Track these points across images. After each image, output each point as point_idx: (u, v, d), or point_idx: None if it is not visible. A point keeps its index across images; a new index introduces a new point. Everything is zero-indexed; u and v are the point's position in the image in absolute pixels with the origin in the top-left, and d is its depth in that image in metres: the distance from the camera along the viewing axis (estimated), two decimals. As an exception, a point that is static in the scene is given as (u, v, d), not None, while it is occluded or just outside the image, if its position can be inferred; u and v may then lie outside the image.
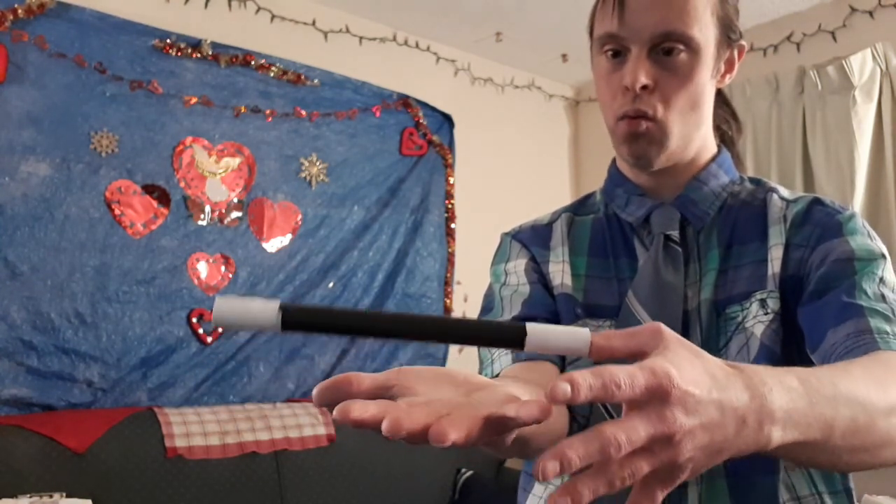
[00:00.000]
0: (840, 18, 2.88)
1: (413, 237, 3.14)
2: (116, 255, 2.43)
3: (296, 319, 0.42)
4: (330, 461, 2.51)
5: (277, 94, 2.82)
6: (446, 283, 3.22)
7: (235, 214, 2.70)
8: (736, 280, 0.80)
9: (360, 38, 3.10)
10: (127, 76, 2.49)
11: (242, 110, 2.73)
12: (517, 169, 3.58)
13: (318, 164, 2.90)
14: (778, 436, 0.46)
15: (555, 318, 0.85)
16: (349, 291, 2.94)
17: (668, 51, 0.78)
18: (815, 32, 2.94)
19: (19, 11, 2.28)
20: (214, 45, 2.67)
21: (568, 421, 0.76)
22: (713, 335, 0.78)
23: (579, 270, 0.87)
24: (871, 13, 2.80)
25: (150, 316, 2.48)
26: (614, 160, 0.92)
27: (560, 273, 0.87)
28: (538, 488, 0.84)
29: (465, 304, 3.25)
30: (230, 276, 2.66)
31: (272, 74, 2.79)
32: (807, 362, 0.72)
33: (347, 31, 3.06)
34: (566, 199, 2.87)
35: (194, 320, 2.56)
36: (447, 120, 3.29)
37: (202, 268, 2.61)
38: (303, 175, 2.87)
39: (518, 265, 0.90)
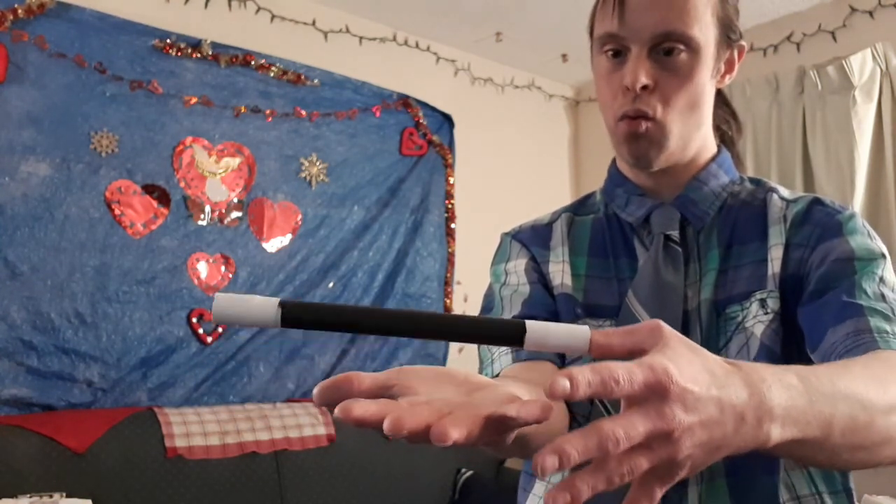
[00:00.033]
0: (840, 18, 2.88)
1: (413, 237, 3.14)
2: (116, 255, 2.43)
3: (295, 315, 0.42)
4: (330, 461, 2.51)
5: (277, 94, 2.82)
6: (446, 283, 3.22)
7: (235, 214, 2.70)
8: (736, 280, 0.80)
9: (360, 38, 3.10)
10: (127, 76, 2.49)
11: (242, 110, 2.73)
12: (517, 169, 3.58)
13: (318, 164, 2.90)
14: (777, 433, 0.46)
15: (555, 318, 0.85)
16: (349, 291, 2.94)
17: (669, 51, 0.78)
18: (815, 32, 2.94)
19: (19, 11, 2.28)
20: (214, 45, 2.67)
21: (568, 421, 0.76)
22: (713, 335, 0.78)
23: (579, 270, 0.87)
24: (871, 13, 2.80)
25: (150, 316, 2.48)
26: (614, 160, 0.92)
27: (560, 273, 0.88)
28: (538, 488, 0.84)
29: (465, 304, 3.25)
30: (230, 276, 2.66)
31: (272, 74, 2.79)
32: (807, 362, 0.72)
33: (347, 31, 3.06)
34: (566, 199, 2.88)
35: (194, 320, 2.56)
36: (447, 120, 3.29)
37: (202, 268, 2.61)
38: (303, 175, 2.87)
39: (518, 265, 0.90)
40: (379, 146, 3.07)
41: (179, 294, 2.54)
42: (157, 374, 2.48)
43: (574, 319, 0.83)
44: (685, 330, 0.79)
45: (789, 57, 3.00)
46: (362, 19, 3.11)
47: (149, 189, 2.52)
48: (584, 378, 0.38)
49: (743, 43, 0.86)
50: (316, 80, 2.90)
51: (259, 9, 2.84)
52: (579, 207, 0.95)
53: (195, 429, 2.32)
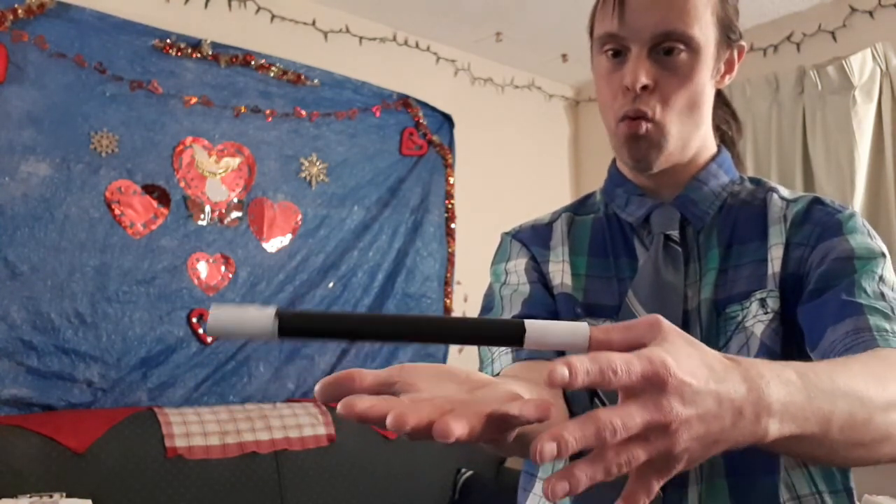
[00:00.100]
0: (840, 18, 2.88)
1: (413, 237, 3.14)
2: (116, 255, 2.43)
3: (292, 325, 0.42)
4: (330, 461, 2.51)
5: (277, 94, 2.82)
6: (446, 283, 3.22)
7: (235, 214, 2.70)
8: (736, 279, 0.80)
9: (360, 38, 3.10)
10: (127, 76, 2.49)
11: (242, 110, 2.73)
12: (517, 169, 3.58)
13: (318, 164, 2.90)
14: (775, 429, 0.46)
15: (555, 318, 0.85)
16: (349, 291, 2.94)
17: (669, 50, 0.78)
18: (815, 32, 2.94)
19: (19, 11, 2.28)
20: (214, 45, 2.67)
21: (568, 419, 0.76)
22: (713, 335, 0.78)
23: (579, 270, 0.87)
24: (871, 13, 2.80)
25: (150, 316, 2.48)
26: (614, 160, 0.92)
27: (560, 273, 0.88)
28: (538, 487, 0.84)
29: (465, 304, 3.25)
30: (230, 276, 2.66)
31: (272, 74, 2.79)
32: (807, 361, 0.72)
33: (347, 31, 3.06)
34: (566, 199, 2.87)
35: (194, 320, 2.56)
36: (447, 120, 3.29)
37: (202, 268, 2.61)
38: (303, 175, 2.87)
39: (518, 265, 0.90)
40: (379, 146, 3.07)
41: (179, 294, 2.54)
42: (157, 374, 2.48)
43: (574, 319, 0.83)
44: (685, 329, 0.78)
45: (789, 57, 3.00)
46: (362, 19, 3.11)
47: (149, 189, 2.52)
48: (583, 367, 0.38)
49: (743, 43, 0.86)
50: (316, 80, 2.90)
51: (259, 9, 2.84)
52: (579, 207, 0.95)
53: (195, 429, 2.32)
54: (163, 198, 2.55)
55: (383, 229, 3.05)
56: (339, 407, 0.41)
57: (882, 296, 0.71)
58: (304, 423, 2.52)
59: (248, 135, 2.75)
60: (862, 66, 2.70)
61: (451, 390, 0.47)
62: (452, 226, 3.25)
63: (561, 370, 0.37)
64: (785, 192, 0.86)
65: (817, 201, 0.83)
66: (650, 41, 0.78)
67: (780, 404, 0.46)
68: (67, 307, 2.33)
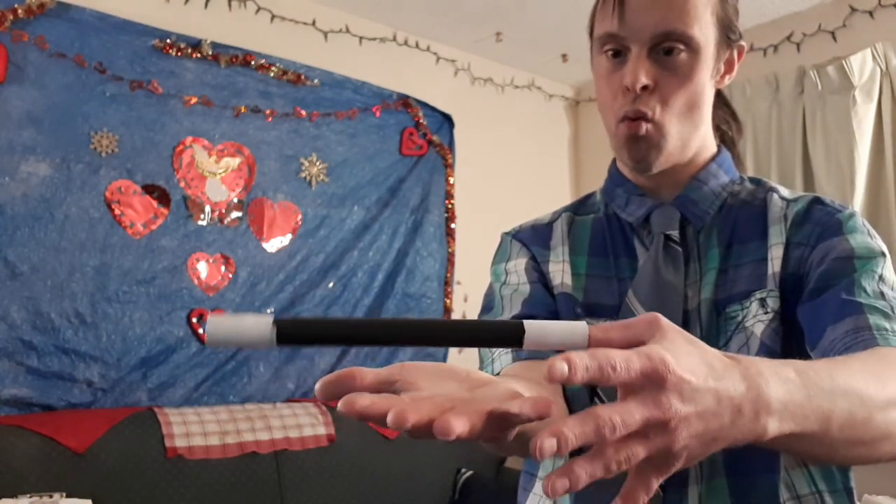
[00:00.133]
0: (840, 18, 2.88)
1: (413, 237, 3.14)
2: (116, 255, 2.43)
3: (290, 332, 0.42)
4: (330, 461, 2.51)
5: (277, 94, 2.82)
6: (446, 283, 3.22)
7: (235, 214, 2.70)
8: (736, 279, 0.80)
9: (360, 38, 3.10)
10: (127, 76, 2.49)
11: (242, 110, 2.73)
12: (517, 169, 3.58)
13: (318, 164, 2.90)
14: (774, 427, 0.46)
15: (555, 318, 0.85)
16: (349, 291, 2.94)
17: (669, 50, 0.78)
18: (815, 32, 2.94)
19: (19, 11, 2.28)
20: (214, 45, 2.67)
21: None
22: (713, 334, 0.78)
23: (579, 270, 0.87)
24: (871, 13, 2.80)
25: (150, 316, 2.48)
26: (614, 160, 0.92)
27: (560, 272, 0.88)
28: (539, 487, 0.84)
29: (465, 304, 3.25)
30: (230, 276, 2.66)
31: (272, 74, 2.79)
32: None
33: (347, 31, 3.06)
34: (566, 199, 2.87)
35: (194, 320, 2.56)
36: (447, 120, 3.29)
37: (202, 268, 2.61)
38: (303, 175, 2.87)
39: (518, 264, 0.90)
40: (379, 146, 3.07)
41: (179, 294, 2.54)
42: (157, 374, 2.48)
43: (574, 319, 0.83)
44: (685, 329, 0.78)
45: (789, 57, 3.00)
46: (362, 19, 3.11)
47: (149, 189, 2.52)
48: (582, 362, 0.38)
49: (743, 43, 0.86)
50: (316, 80, 2.91)
51: (259, 9, 2.84)
52: (579, 207, 0.95)
53: (195, 429, 2.32)
54: (163, 198, 2.55)
55: (383, 229, 3.05)
56: (340, 405, 0.41)
57: (882, 295, 0.71)
58: (304, 423, 2.52)
59: (248, 135, 2.75)
60: (862, 66, 2.70)
61: (452, 389, 0.47)
62: (452, 226, 3.25)
63: (560, 365, 0.38)
64: (785, 191, 0.86)
65: (817, 201, 0.83)
66: (650, 41, 0.78)
67: (780, 402, 0.46)
68: (67, 307, 2.33)
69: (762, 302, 0.77)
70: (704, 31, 0.79)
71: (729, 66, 0.85)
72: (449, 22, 3.16)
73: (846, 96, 2.72)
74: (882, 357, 0.61)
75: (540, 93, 3.76)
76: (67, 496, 2.00)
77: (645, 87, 0.78)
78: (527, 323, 0.44)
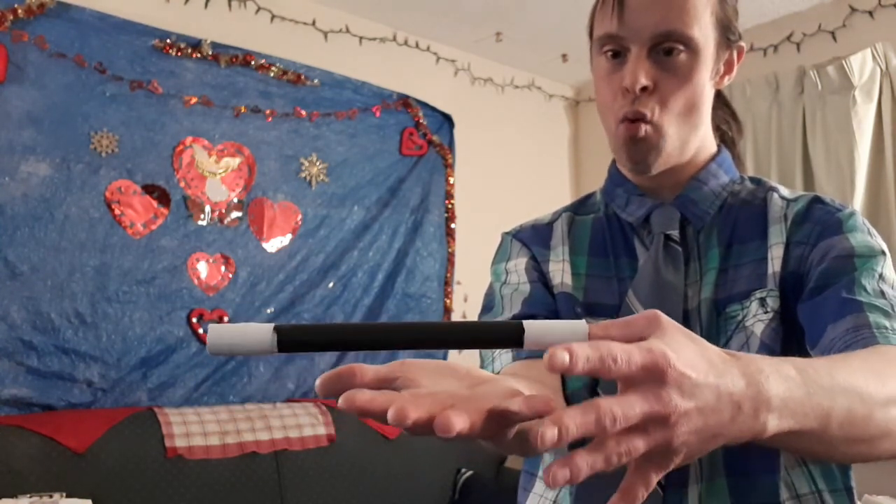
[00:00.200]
0: (840, 18, 2.88)
1: (413, 237, 3.14)
2: (116, 255, 2.43)
3: (291, 339, 0.43)
4: (330, 461, 2.51)
5: (277, 94, 2.82)
6: (446, 283, 3.22)
7: (235, 214, 2.70)
8: (736, 279, 0.80)
9: (360, 38, 3.10)
10: (127, 76, 2.50)
11: (242, 110, 2.73)
12: (517, 169, 3.58)
13: (318, 164, 2.90)
14: (774, 424, 0.46)
15: (555, 317, 0.85)
16: (349, 291, 2.94)
17: (668, 51, 0.78)
18: (815, 32, 2.94)
19: (19, 11, 2.28)
20: (214, 45, 2.67)
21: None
22: (713, 334, 0.78)
23: (579, 269, 0.87)
24: (871, 13, 2.80)
25: (150, 316, 2.48)
26: (615, 160, 0.92)
27: (560, 272, 0.88)
28: (539, 487, 0.84)
29: (465, 304, 3.25)
30: (230, 276, 2.66)
31: (272, 74, 2.80)
32: None
33: (347, 31, 3.07)
34: (566, 199, 2.87)
35: (194, 320, 2.56)
36: (447, 120, 3.29)
37: (202, 268, 2.61)
38: (303, 175, 2.87)
39: (518, 264, 0.90)
40: (379, 146, 3.08)
41: (179, 294, 2.54)
42: (157, 374, 2.48)
43: (574, 318, 0.83)
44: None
45: (789, 57, 3.00)
46: (362, 19, 3.11)
47: (149, 189, 2.52)
48: (583, 353, 0.38)
49: (742, 44, 0.86)
50: (316, 80, 2.91)
51: (259, 9, 2.84)
52: (580, 207, 0.95)
53: (195, 429, 2.32)
54: (163, 198, 2.55)
55: (383, 229, 3.05)
56: (340, 401, 0.41)
57: (882, 293, 0.71)
58: (304, 423, 2.52)
59: (248, 135, 2.75)
60: (862, 66, 2.70)
61: (452, 386, 0.47)
62: (452, 226, 3.25)
63: (561, 355, 0.38)
64: (785, 191, 0.86)
65: (817, 200, 0.83)
66: (650, 42, 0.78)
67: (779, 399, 0.46)
68: (67, 307, 2.33)
69: (762, 301, 0.77)
70: (704, 32, 0.79)
71: (728, 67, 0.85)
72: (449, 22, 3.16)
73: (846, 96, 2.72)
74: (882, 355, 0.61)
75: (540, 93, 3.76)
76: (67, 496, 2.00)
77: (644, 88, 0.78)
78: (527, 323, 0.44)
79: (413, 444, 2.69)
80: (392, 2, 3.00)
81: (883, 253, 0.76)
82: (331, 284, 2.90)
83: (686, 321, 0.79)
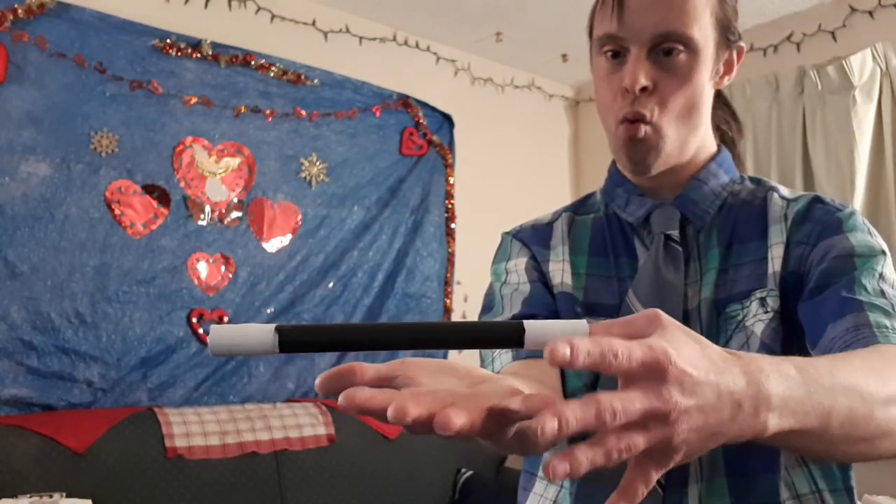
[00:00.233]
0: (840, 18, 2.88)
1: (413, 237, 3.14)
2: (116, 255, 2.43)
3: (292, 339, 0.43)
4: (330, 461, 2.51)
5: (277, 94, 2.82)
6: (446, 283, 3.22)
7: (235, 214, 2.70)
8: (736, 279, 0.80)
9: (360, 38, 3.10)
10: (127, 76, 2.50)
11: (242, 110, 2.73)
12: (517, 169, 3.58)
13: (318, 164, 2.90)
14: (774, 423, 0.46)
15: (555, 317, 0.85)
16: (349, 291, 2.94)
17: (668, 51, 0.78)
18: (815, 32, 2.94)
19: (19, 11, 2.28)
20: (214, 45, 2.67)
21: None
22: (713, 334, 0.78)
23: (579, 269, 0.87)
24: (871, 13, 2.80)
25: (150, 316, 2.48)
26: (614, 160, 0.92)
27: (560, 272, 0.88)
28: (539, 486, 0.84)
29: (465, 304, 3.25)
30: (230, 276, 2.66)
31: (272, 74, 2.80)
32: None
33: (347, 31, 3.07)
34: (566, 199, 2.87)
35: (194, 320, 2.56)
36: (447, 120, 3.29)
37: (202, 268, 2.61)
38: (303, 175, 2.87)
39: (518, 264, 0.90)
40: (379, 146, 3.08)
41: (179, 294, 2.54)
42: (157, 374, 2.48)
43: (574, 318, 0.83)
44: None
45: (789, 57, 3.00)
46: (362, 19, 3.11)
47: (149, 189, 2.52)
48: (584, 347, 0.38)
49: (742, 44, 0.86)
50: (316, 80, 2.91)
51: (259, 9, 2.84)
52: (580, 207, 0.95)
53: (195, 429, 2.32)
54: (163, 198, 2.55)
55: (383, 229, 3.05)
56: (341, 398, 0.41)
57: (882, 293, 0.71)
58: (304, 423, 2.52)
59: (248, 135, 2.75)
60: (862, 66, 2.70)
61: (452, 385, 0.48)
62: (452, 226, 3.25)
63: (562, 348, 0.38)
64: (785, 191, 0.86)
65: (817, 200, 0.83)
66: (649, 42, 0.78)
67: (780, 398, 0.46)
68: (67, 307, 2.33)
69: (762, 301, 0.77)
70: (704, 32, 0.79)
71: (728, 67, 0.85)
72: (449, 22, 3.16)
73: (846, 96, 2.72)
74: (882, 354, 0.61)
75: (540, 93, 3.76)
76: (67, 496, 2.00)
77: (644, 89, 0.78)
78: (527, 323, 0.44)
79: (413, 444, 2.69)
80: (392, 2, 3.00)
81: (883, 252, 0.76)
82: (331, 284, 2.90)
83: (686, 321, 0.79)
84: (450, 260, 3.23)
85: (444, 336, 0.44)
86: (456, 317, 3.22)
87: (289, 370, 2.76)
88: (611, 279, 0.85)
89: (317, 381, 0.45)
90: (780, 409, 0.46)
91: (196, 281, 2.58)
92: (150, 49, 2.55)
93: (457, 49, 3.42)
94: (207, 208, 2.64)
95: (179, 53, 2.60)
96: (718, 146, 0.90)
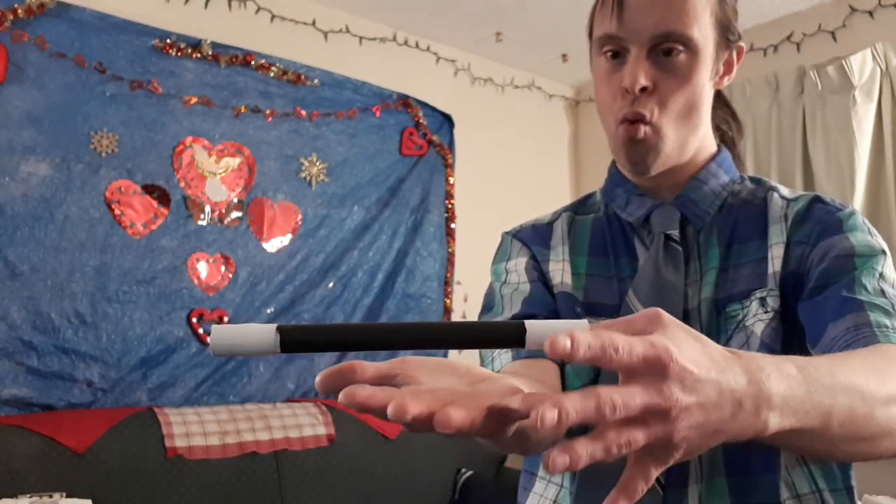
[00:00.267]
0: (840, 18, 2.88)
1: (413, 237, 3.14)
2: (116, 255, 2.43)
3: (294, 339, 0.43)
4: (330, 461, 2.51)
5: (277, 94, 2.82)
6: (446, 283, 3.22)
7: (235, 214, 2.70)
8: (736, 279, 0.80)
9: (360, 38, 3.10)
10: (127, 76, 2.50)
11: (242, 110, 2.73)
12: (517, 169, 3.58)
13: (318, 164, 2.90)
14: (775, 422, 0.46)
15: (555, 317, 0.85)
16: (349, 291, 2.94)
17: (668, 51, 0.78)
18: (815, 32, 2.94)
19: (19, 11, 2.28)
20: (214, 45, 2.67)
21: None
22: (713, 333, 0.78)
23: (579, 269, 0.88)
24: (871, 13, 2.80)
25: (150, 316, 2.48)
26: (615, 160, 0.92)
27: (560, 272, 0.88)
28: (539, 486, 0.84)
29: (465, 304, 3.25)
30: (230, 276, 2.66)
31: (272, 74, 2.80)
32: None
33: (347, 31, 3.07)
34: (566, 199, 2.87)
35: (194, 320, 2.56)
36: (447, 120, 3.29)
37: (202, 268, 2.61)
38: (303, 175, 2.87)
39: (518, 264, 0.90)
40: (379, 146, 3.08)
41: (179, 294, 2.54)
42: (157, 374, 2.48)
43: (574, 318, 0.83)
44: None
45: (789, 57, 3.00)
46: (362, 19, 3.11)
47: (149, 189, 2.52)
48: (585, 340, 0.38)
49: (742, 44, 0.86)
50: (316, 80, 2.91)
51: (259, 9, 2.84)
52: (580, 207, 0.95)
53: (195, 429, 2.32)
54: (163, 198, 2.55)
55: (383, 229, 3.05)
56: (341, 396, 0.41)
57: (882, 293, 0.71)
58: (304, 423, 2.52)
59: (248, 135, 2.75)
60: (862, 66, 2.70)
61: (452, 383, 0.48)
62: (452, 226, 3.25)
63: (563, 340, 0.38)
64: (785, 191, 0.86)
65: (818, 200, 0.83)
66: (649, 42, 0.78)
67: (780, 398, 0.46)
68: (67, 307, 2.33)
69: (762, 301, 0.77)
70: (703, 32, 0.79)
71: (728, 67, 0.85)
72: (449, 22, 3.16)
73: (846, 96, 2.72)
74: (883, 354, 0.61)
75: (540, 93, 3.76)
76: (67, 496, 2.00)
77: (644, 89, 0.78)
78: (528, 323, 0.44)
79: (413, 444, 2.69)
80: (392, 2, 3.00)
81: (883, 252, 0.76)
82: (331, 284, 2.90)
83: (686, 321, 0.79)
84: (450, 260, 3.23)
85: (444, 336, 0.44)
86: (456, 317, 3.22)
87: (289, 370, 2.76)
88: (611, 279, 0.85)
89: (317, 379, 0.45)
90: (781, 408, 0.46)
91: (196, 281, 2.58)
92: (150, 49, 2.56)
93: (457, 49, 3.42)
94: (207, 208, 2.64)
95: (179, 53, 2.60)
96: (718, 146, 0.90)
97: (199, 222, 2.61)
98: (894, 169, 2.68)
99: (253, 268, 2.71)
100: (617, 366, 0.40)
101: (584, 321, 0.45)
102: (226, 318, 2.63)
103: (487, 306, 0.89)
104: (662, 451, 0.42)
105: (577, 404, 0.37)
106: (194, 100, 2.62)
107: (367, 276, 2.99)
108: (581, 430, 0.43)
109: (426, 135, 3.21)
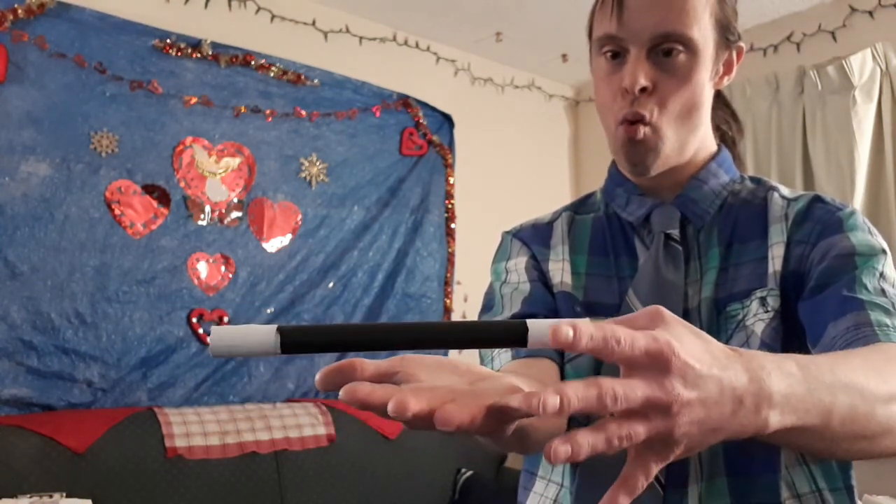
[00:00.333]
0: (840, 18, 2.88)
1: (413, 237, 3.14)
2: (116, 255, 2.43)
3: (294, 340, 0.43)
4: (330, 461, 2.51)
5: (277, 94, 2.82)
6: (446, 283, 3.22)
7: (235, 214, 2.70)
8: (736, 278, 0.80)
9: (360, 38, 3.10)
10: (127, 76, 2.50)
11: (242, 110, 2.73)
12: (517, 169, 3.58)
13: (318, 164, 2.90)
14: (776, 420, 0.46)
15: (555, 316, 0.85)
16: (349, 291, 2.94)
17: (668, 52, 0.78)
18: (815, 32, 2.94)
19: (19, 11, 2.28)
20: (214, 45, 2.67)
21: (567, 418, 0.76)
22: (713, 333, 0.78)
23: (579, 269, 0.88)
24: (871, 13, 2.80)
25: (150, 316, 2.48)
26: (615, 160, 0.92)
27: (560, 271, 0.88)
28: (539, 486, 0.84)
29: (465, 304, 3.25)
30: (230, 276, 2.66)
31: (272, 74, 2.80)
32: None
33: (347, 31, 3.07)
34: (566, 199, 2.87)
35: (194, 320, 2.56)
36: (447, 120, 3.29)
37: (202, 268, 2.61)
38: (303, 175, 2.87)
39: (518, 263, 0.90)
40: (379, 146, 3.08)
41: (179, 294, 2.54)
42: (157, 374, 2.48)
43: (574, 317, 0.83)
44: None
45: (789, 57, 3.00)
46: (362, 19, 3.11)
47: (149, 189, 2.52)
48: (588, 331, 0.38)
49: (741, 44, 0.86)
50: (316, 80, 2.91)
51: (259, 9, 2.84)
52: (580, 206, 0.95)
53: (195, 429, 2.32)
54: (163, 198, 2.55)
55: (383, 229, 3.05)
56: (342, 393, 0.41)
57: (883, 292, 0.71)
58: (304, 423, 2.52)
59: (248, 135, 2.75)
60: (862, 66, 2.70)
61: (452, 382, 0.48)
62: (452, 226, 3.25)
63: (566, 330, 0.38)
64: (786, 190, 0.86)
65: (818, 199, 0.83)
66: (649, 42, 0.78)
67: (781, 395, 0.46)
68: (67, 307, 2.33)
69: (763, 301, 0.77)
70: (703, 33, 0.79)
71: (728, 68, 0.85)
72: (449, 22, 3.16)
73: (846, 96, 2.72)
74: (883, 353, 0.61)
75: (540, 93, 3.76)
76: (67, 496, 2.00)
77: (644, 89, 0.78)
78: (530, 322, 0.44)
79: (413, 444, 2.69)
80: (392, 2, 3.00)
81: (883, 251, 0.76)
82: (331, 284, 2.90)
83: (686, 320, 0.79)
84: (450, 260, 3.23)
85: (445, 336, 0.44)
86: (456, 317, 3.22)
87: (289, 370, 2.76)
88: (611, 278, 0.85)
89: (317, 377, 0.45)
90: (782, 406, 0.46)
91: (196, 281, 2.58)
92: (150, 49, 2.56)
93: (457, 49, 3.42)
94: (207, 208, 2.64)
95: (179, 53, 2.60)
96: (718, 146, 0.90)
97: (199, 222, 2.61)
98: (894, 169, 2.68)
99: (253, 268, 2.71)
100: (619, 358, 0.40)
101: (587, 321, 0.45)
102: (226, 318, 2.63)
103: (487, 306, 0.89)
104: (663, 446, 0.42)
105: (578, 392, 0.38)
106: (194, 100, 2.63)
107: (367, 276, 2.99)
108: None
109: (426, 135, 3.21)
